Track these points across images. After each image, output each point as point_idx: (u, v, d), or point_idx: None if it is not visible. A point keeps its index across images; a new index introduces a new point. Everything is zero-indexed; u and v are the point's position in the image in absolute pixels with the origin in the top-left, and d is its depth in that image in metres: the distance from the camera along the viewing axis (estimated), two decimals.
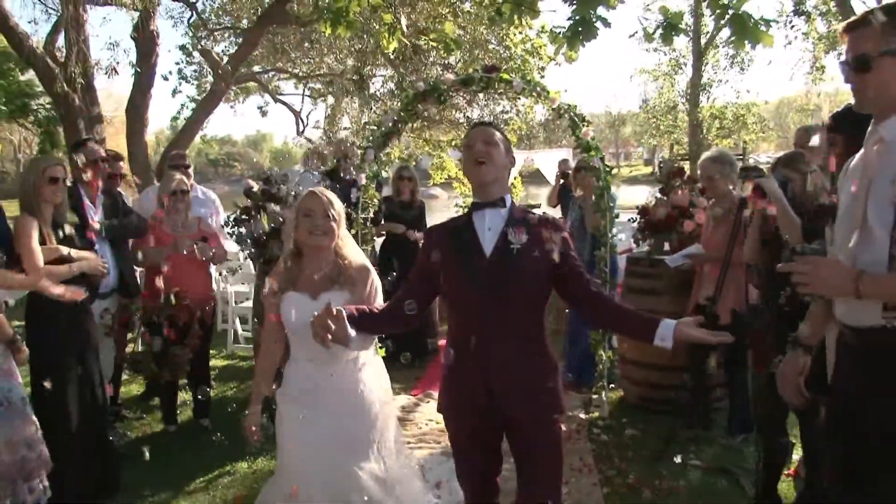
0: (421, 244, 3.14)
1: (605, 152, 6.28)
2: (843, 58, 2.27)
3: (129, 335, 5.19)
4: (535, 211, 2.92)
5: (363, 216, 5.65)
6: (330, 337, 2.62)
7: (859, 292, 2.10)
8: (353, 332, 2.68)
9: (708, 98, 23.31)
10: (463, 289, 2.75)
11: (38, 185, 4.08)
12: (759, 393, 3.92)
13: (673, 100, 25.07)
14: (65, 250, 4.17)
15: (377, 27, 5.58)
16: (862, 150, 2.30)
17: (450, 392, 2.89)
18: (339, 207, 3.19)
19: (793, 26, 15.85)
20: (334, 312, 2.63)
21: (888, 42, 2.09)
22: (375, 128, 6.23)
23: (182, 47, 15.93)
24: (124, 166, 5.94)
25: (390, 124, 5.51)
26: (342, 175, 6.43)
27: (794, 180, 3.68)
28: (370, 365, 3.26)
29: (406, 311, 2.86)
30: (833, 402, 2.45)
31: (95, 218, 4.95)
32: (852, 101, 2.34)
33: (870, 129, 2.26)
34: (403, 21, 5.62)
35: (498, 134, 2.84)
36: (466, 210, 2.93)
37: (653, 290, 5.46)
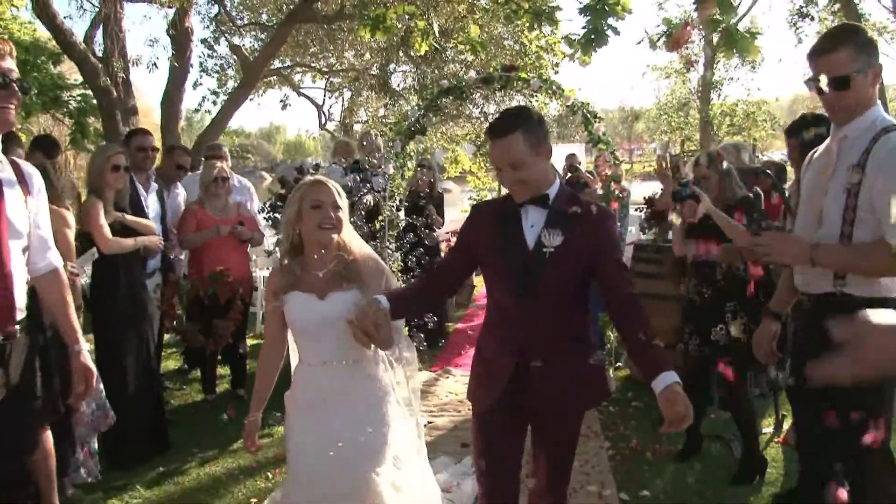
0: (466, 219, 2.98)
1: (620, 148, 6.70)
2: (807, 77, 2.69)
3: (178, 310, 5.68)
4: (582, 200, 2.73)
5: (391, 203, 6.09)
6: (373, 339, 2.56)
7: (814, 261, 2.54)
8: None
9: (719, 95, 23.65)
10: (500, 277, 2.72)
11: (102, 171, 4.56)
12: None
13: (685, 97, 25.41)
14: (127, 218, 4.67)
15: (403, 28, 5.96)
16: (825, 145, 2.75)
17: (478, 374, 2.87)
18: (344, 197, 2.98)
19: (798, 28, 16.22)
20: (377, 311, 2.57)
21: (858, 63, 2.52)
22: (399, 122, 6.64)
23: (204, 41, 16.46)
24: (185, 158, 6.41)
25: (415, 119, 5.95)
26: (366, 167, 6.89)
27: (711, 178, 4.15)
28: (385, 362, 3.11)
29: (444, 296, 2.98)
30: (794, 362, 2.90)
31: (147, 203, 5.40)
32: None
33: (832, 129, 2.70)
34: (436, 27, 6.05)
35: (521, 143, 2.59)
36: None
37: (657, 274, 5.88)
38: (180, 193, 6.07)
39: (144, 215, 4.99)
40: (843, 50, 2.54)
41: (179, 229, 5.69)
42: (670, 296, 5.24)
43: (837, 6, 14.64)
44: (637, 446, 4.77)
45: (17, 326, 2.76)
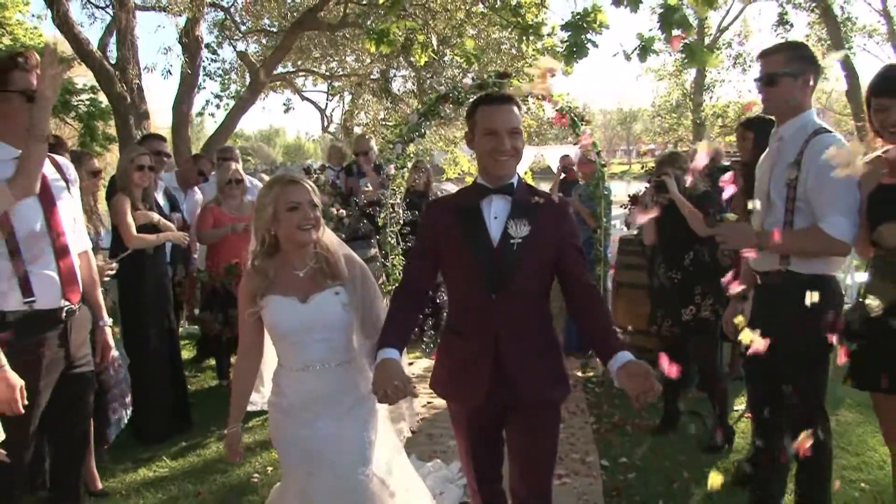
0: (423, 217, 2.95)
1: (618, 149, 7.14)
2: (756, 76, 3.16)
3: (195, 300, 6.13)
4: (540, 192, 2.76)
5: (392, 201, 6.54)
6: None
7: (760, 245, 3.00)
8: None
9: (711, 97, 24.22)
10: (468, 275, 2.65)
11: (128, 171, 4.99)
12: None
13: (677, 99, 25.95)
14: (154, 217, 5.09)
15: (403, 37, 6.38)
16: (769, 147, 3.20)
17: (451, 372, 2.80)
18: (318, 193, 2.91)
19: (778, 34, 16.78)
20: (403, 375, 2.47)
21: (789, 66, 2.98)
22: (399, 125, 7.10)
23: (207, 45, 16.86)
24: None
25: (415, 123, 6.39)
26: (358, 170, 7.40)
27: (679, 176, 4.64)
28: (367, 365, 2.94)
29: (422, 307, 2.83)
30: (751, 326, 3.37)
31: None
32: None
33: (773, 130, 3.16)
34: (434, 40, 6.51)
35: (518, 115, 2.65)
36: (471, 185, 2.80)
37: (640, 265, 6.33)
38: (197, 194, 6.51)
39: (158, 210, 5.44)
40: (780, 53, 3.03)
41: (198, 226, 6.12)
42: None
43: (816, 15, 15.25)
44: (619, 421, 5.23)
45: (79, 303, 3.22)
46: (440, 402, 5.69)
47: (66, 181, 3.26)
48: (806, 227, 2.97)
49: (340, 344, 2.88)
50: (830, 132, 3.00)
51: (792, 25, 16.71)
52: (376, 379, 2.44)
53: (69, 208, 3.23)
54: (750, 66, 23.58)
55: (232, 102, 15.20)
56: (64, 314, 3.15)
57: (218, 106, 16.83)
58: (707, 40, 23.68)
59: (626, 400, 5.52)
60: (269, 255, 2.84)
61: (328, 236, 2.94)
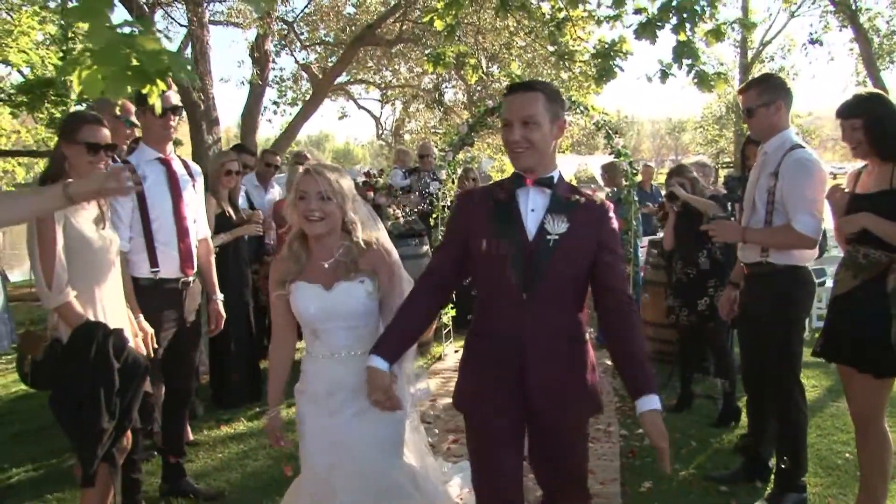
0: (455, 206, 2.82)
1: (666, 159, 7.80)
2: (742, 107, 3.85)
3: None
4: (584, 191, 2.62)
5: (442, 203, 7.29)
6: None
7: (744, 239, 3.67)
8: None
9: None
10: (499, 270, 2.46)
11: (218, 174, 5.80)
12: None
13: (719, 111, 26.36)
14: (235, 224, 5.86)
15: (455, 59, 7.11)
16: (757, 159, 3.87)
17: (474, 382, 2.64)
18: (340, 185, 2.76)
19: (807, 53, 17.29)
20: (385, 379, 2.50)
21: (761, 98, 3.65)
22: (449, 134, 7.89)
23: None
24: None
25: (465, 133, 7.14)
26: (422, 172, 8.20)
27: (685, 183, 5.32)
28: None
29: (452, 289, 2.73)
30: (740, 317, 4.03)
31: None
32: None
33: (759, 147, 3.83)
34: (483, 62, 7.28)
35: (541, 104, 2.43)
36: (509, 177, 2.63)
37: (664, 265, 6.94)
38: (276, 189, 7.33)
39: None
40: (753, 89, 3.70)
41: (275, 218, 6.93)
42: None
43: (847, 29, 15.67)
44: None
45: (193, 276, 4.02)
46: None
47: (192, 177, 4.08)
48: (780, 225, 3.62)
49: (366, 332, 2.85)
50: (804, 147, 3.64)
51: (822, 44, 17.28)
52: (367, 384, 2.53)
53: (192, 200, 4.04)
54: (794, 79, 23.88)
55: (288, 109, 16.21)
56: (180, 284, 3.96)
57: (275, 112, 17.86)
58: (750, 54, 24.17)
59: None
60: (303, 242, 2.83)
61: (364, 227, 2.86)
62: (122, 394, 3.13)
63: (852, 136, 3.45)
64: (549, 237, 2.43)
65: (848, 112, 3.47)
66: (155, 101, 1.87)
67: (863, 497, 3.55)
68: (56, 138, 3.65)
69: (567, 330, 2.50)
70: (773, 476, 4.07)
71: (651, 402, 2.38)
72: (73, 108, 7.33)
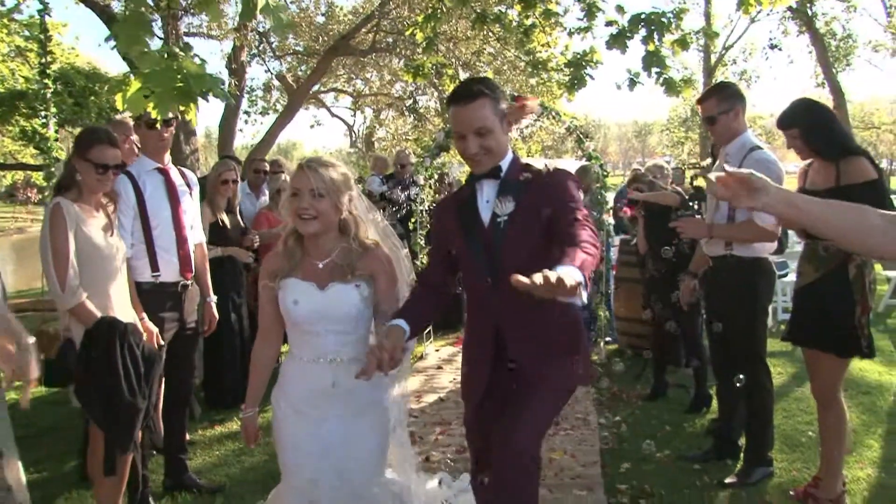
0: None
1: (633, 161, 8.13)
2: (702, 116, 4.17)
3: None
4: (532, 169, 2.64)
5: (421, 207, 7.55)
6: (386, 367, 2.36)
7: (710, 235, 3.97)
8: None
9: None
10: (469, 263, 2.64)
11: (215, 183, 5.98)
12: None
13: (685, 113, 27.00)
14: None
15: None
16: (718, 160, 4.17)
17: (465, 369, 2.84)
18: (334, 181, 2.63)
19: (767, 58, 17.93)
20: (401, 337, 2.47)
21: (720, 106, 3.96)
22: (422, 140, 8.16)
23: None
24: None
25: (441, 140, 7.41)
26: (400, 178, 8.45)
27: (642, 188, 5.71)
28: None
29: (448, 292, 2.81)
30: (708, 307, 4.33)
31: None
32: None
33: (721, 149, 4.13)
34: (461, 73, 7.59)
35: (489, 109, 2.48)
36: (468, 177, 2.77)
37: (636, 263, 7.25)
38: (264, 195, 7.52)
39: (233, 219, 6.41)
40: (712, 98, 4.00)
41: (255, 227, 7.11)
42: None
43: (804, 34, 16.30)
44: (617, 392, 6.16)
45: (192, 280, 4.22)
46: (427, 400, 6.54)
47: (189, 187, 4.28)
48: (743, 221, 3.91)
49: (355, 339, 2.76)
50: (762, 149, 3.96)
51: (780, 49, 17.92)
52: (377, 341, 2.49)
53: (190, 208, 4.24)
54: (756, 81, 24.56)
55: (259, 118, 16.35)
56: (180, 287, 4.16)
57: (245, 122, 17.97)
58: (713, 58, 24.85)
59: (624, 375, 6.55)
60: (298, 239, 2.74)
61: (364, 226, 2.79)
62: (147, 378, 3.43)
63: (794, 144, 3.77)
64: (498, 219, 2.53)
65: (783, 124, 3.80)
66: (193, 117, 2.08)
67: (823, 466, 3.86)
68: (23, 151, 3.87)
69: (540, 306, 2.15)
70: (742, 454, 4.37)
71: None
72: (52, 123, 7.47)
